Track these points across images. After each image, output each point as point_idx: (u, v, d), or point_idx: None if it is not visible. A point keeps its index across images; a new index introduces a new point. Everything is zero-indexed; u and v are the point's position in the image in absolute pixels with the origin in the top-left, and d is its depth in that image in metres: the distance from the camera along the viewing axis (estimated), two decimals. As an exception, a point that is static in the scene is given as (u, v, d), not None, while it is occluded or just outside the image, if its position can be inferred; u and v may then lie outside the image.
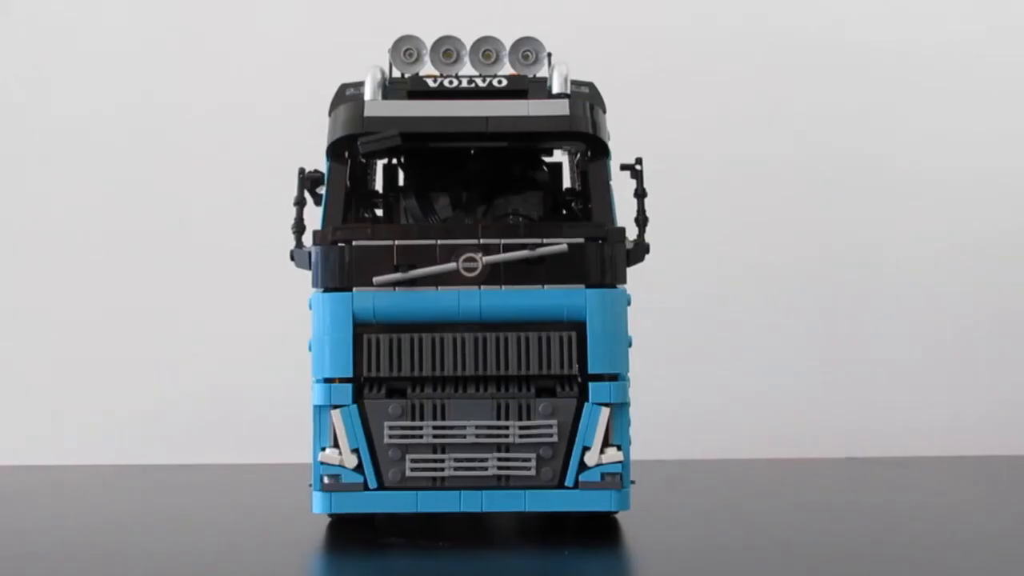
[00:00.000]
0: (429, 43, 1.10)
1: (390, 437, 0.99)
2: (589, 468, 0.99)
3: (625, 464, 1.01)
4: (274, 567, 0.96)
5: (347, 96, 1.09)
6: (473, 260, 1.01)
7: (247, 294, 1.73)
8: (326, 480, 1.00)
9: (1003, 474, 1.51)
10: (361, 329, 1.01)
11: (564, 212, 1.16)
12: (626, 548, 1.00)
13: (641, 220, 1.08)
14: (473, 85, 1.09)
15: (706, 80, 1.79)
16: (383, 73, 1.09)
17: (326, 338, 1.01)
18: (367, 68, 1.08)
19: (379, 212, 1.19)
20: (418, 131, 1.04)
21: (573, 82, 1.09)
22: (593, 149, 1.08)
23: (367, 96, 1.07)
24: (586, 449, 0.99)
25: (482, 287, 1.01)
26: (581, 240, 1.01)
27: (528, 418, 1.00)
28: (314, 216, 1.07)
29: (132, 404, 1.74)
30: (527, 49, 1.09)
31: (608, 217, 1.05)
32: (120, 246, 1.77)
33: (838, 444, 1.69)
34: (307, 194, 1.14)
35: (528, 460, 0.99)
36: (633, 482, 1.03)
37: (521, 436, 0.99)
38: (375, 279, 1.00)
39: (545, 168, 1.18)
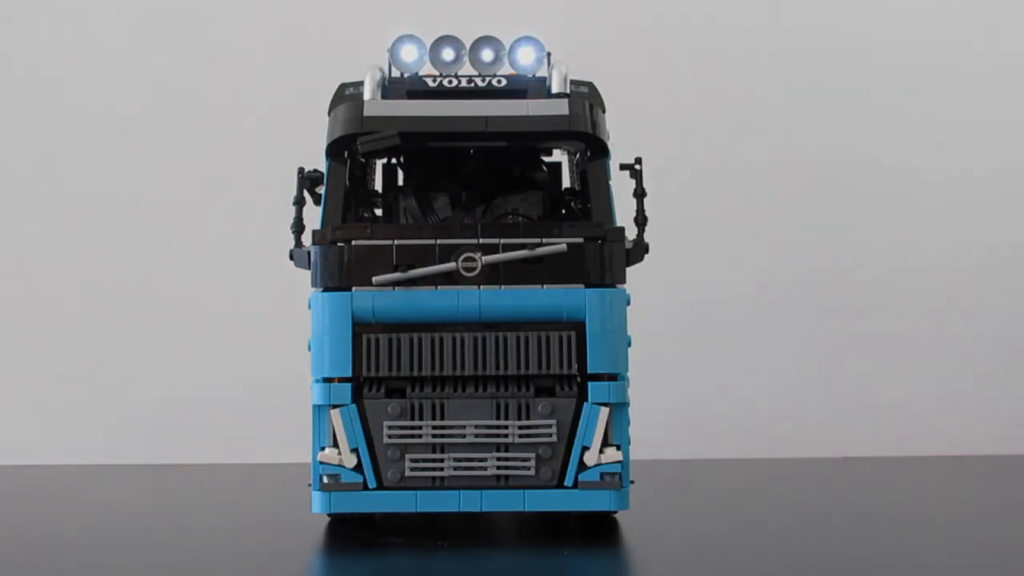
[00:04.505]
0: (429, 43, 1.10)
1: (389, 437, 0.99)
2: (588, 468, 0.99)
3: (624, 464, 1.01)
4: (274, 567, 0.96)
5: (346, 96, 1.09)
6: (472, 260, 1.01)
7: (247, 294, 1.73)
8: (325, 480, 1.00)
9: (1003, 474, 1.50)
10: (360, 329, 1.01)
11: (563, 212, 1.16)
12: (625, 548, 1.00)
13: (640, 220, 1.08)
14: (472, 85, 1.09)
15: (706, 80, 1.79)
16: (382, 72, 1.09)
17: (325, 338, 1.01)
18: (367, 68, 1.08)
19: (378, 212, 1.19)
20: (417, 131, 1.04)
21: (572, 82, 1.09)
22: (592, 149, 1.08)
23: (366, 96, 1.07)
24: (585, 449, 0.99)
25: (481, 287, 1.01)
26: (580, 240, 1.01)
27: (527, 418, 1.00)
28: (313, 216, 1.07)
29: (132, 404, 1.74)
30: (526, 49, 1.09)
31: (607, 217, 1.04)
32: (119, 245, 1.77)
33: (838, 444, 1.69)
34: (306, 194, 1.14)
35: (527, 460, 0.99)
36: (632, 482, 1.02)
37: (520, 436, 0.99)
38: (374, 279, 1.00)
39: (544, 168, 1.18)
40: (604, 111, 1.10)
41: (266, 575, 0.93)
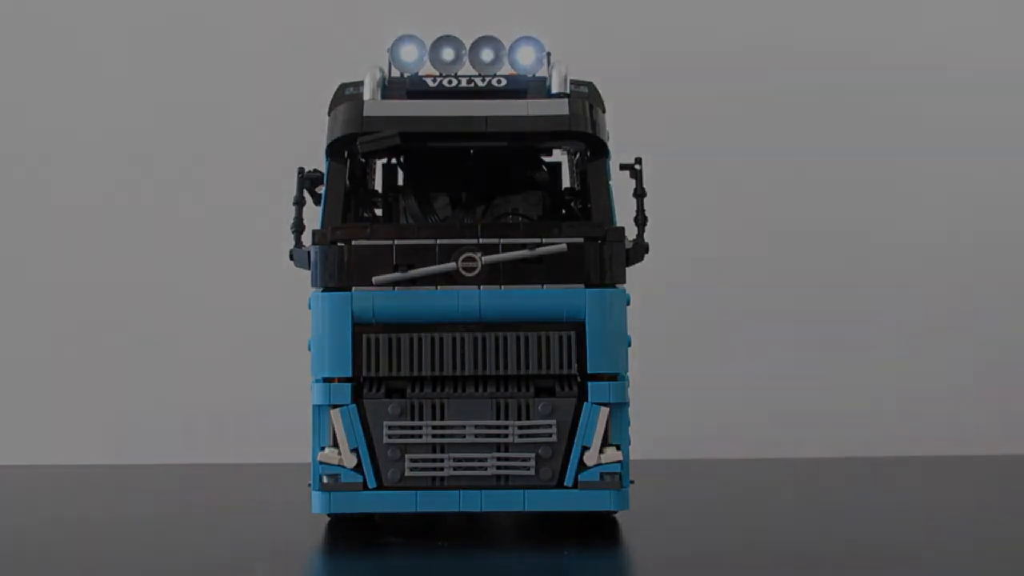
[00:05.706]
0: (429, 43, 1.10)
1: (389, 437, 0.99)
2: (588, 468, 0.99)
3: (624, 464, 1.01)
4: (274, 567, 0.96)
5: (346, 96, 1.09)
6: (472, 260, 1.01)
7: (247, 294, 1.73)
8: (325, 480, 1.00)
9: (1003, 474, 1.50)
10: (360, 329, 1.01)
11: (563, 212, 1.16)
12: (625, 548, 1.00)
13: (640, 220, 1.08)
14: (472, 85, 1.09)
15: (707, 79, 1.79)
16: (382, 72, 1.09)
17: (325, 338, 1.01)
18: (367, 68, 1.08)
19: (378, 212, 1.19)
20: (417, 131, 1.04)
21: (572, 81, 1.09)
22: (592, 149, 1.08)
23: (366, 96, 1.07)
24: (585, 449, 0.99)
25: (481, 287, 1.01)
26: (580, 240, 1.01)
27: (527, 418, 1.00)
28: (313, 216, 1.07)
29: (132, 404, 1.74)
30: (526, 49, 1.09)
31: (607, 217, 1.04)
32: (119, 245, 1.77)
33: (838, 444, 1.69)
34: (306, 194, 1.14)
35: (527, 460, 0.99)
36: (632, 482, 1.02)
37: (520, 436, 0.99)
38: (374, 279, 1.00)
39: (544, 168, 1.18)
40: (604, 111, 1.10)
41: (266, 575, 0.93)
